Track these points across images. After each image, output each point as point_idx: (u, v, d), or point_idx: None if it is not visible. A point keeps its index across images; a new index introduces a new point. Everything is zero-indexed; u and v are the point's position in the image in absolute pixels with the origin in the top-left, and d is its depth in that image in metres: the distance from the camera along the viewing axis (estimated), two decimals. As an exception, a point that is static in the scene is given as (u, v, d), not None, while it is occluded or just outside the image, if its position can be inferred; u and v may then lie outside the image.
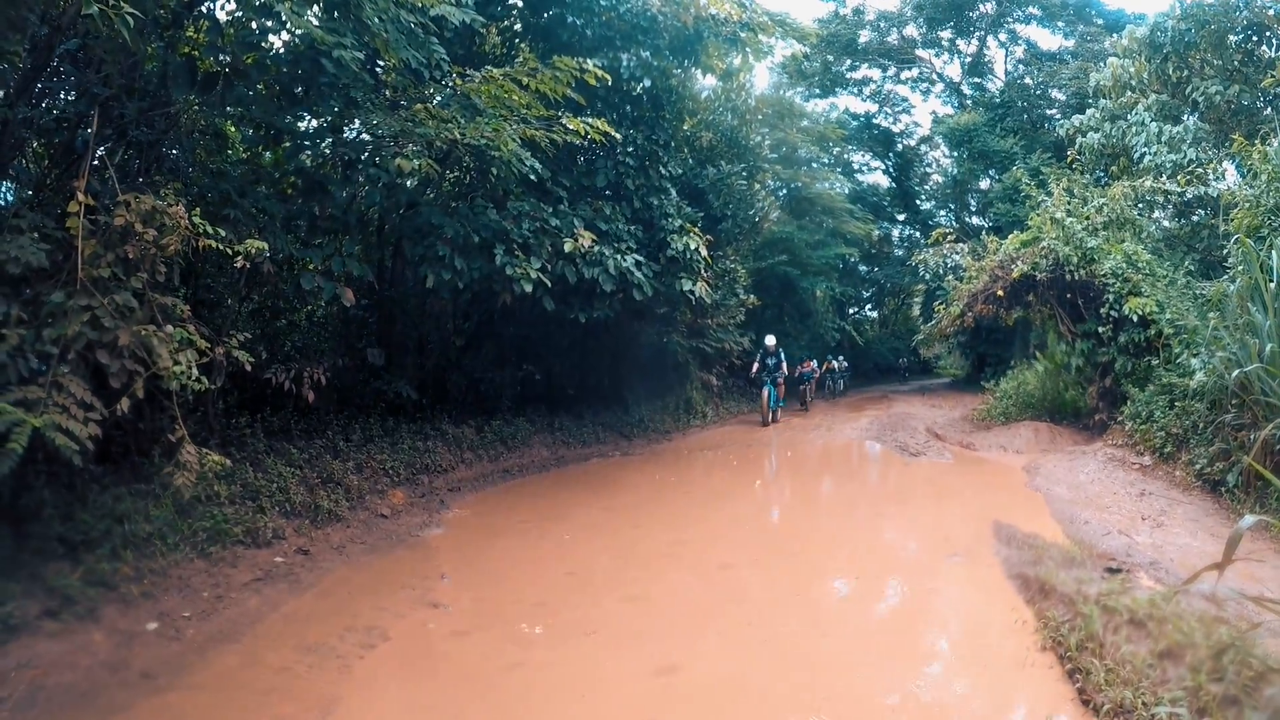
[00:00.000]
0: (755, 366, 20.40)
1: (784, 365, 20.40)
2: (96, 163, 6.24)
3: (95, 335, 5.56)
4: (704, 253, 14.11)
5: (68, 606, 5.70)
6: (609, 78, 10.04)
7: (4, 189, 7.27)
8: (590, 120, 9.59)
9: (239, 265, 6.56)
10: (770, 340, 20.20)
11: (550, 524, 9.22)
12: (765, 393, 19.77)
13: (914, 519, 9.39)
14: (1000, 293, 15.38)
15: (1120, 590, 5.55)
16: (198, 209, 6.48)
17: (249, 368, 7.00)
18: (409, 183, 9.64)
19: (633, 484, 11.91)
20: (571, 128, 9.48)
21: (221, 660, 5.56)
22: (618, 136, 10.72)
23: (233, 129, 9.43)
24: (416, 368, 12.09)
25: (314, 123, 9.78)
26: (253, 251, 6.52)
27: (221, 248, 6.31)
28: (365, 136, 9.45)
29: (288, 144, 9.71)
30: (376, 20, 7.63)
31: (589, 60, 9.46)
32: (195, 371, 5.92)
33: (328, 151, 9.85)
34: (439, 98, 9.18)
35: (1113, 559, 6.92)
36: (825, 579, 7.44)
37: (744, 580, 7.32)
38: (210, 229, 6.24)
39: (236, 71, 7.85)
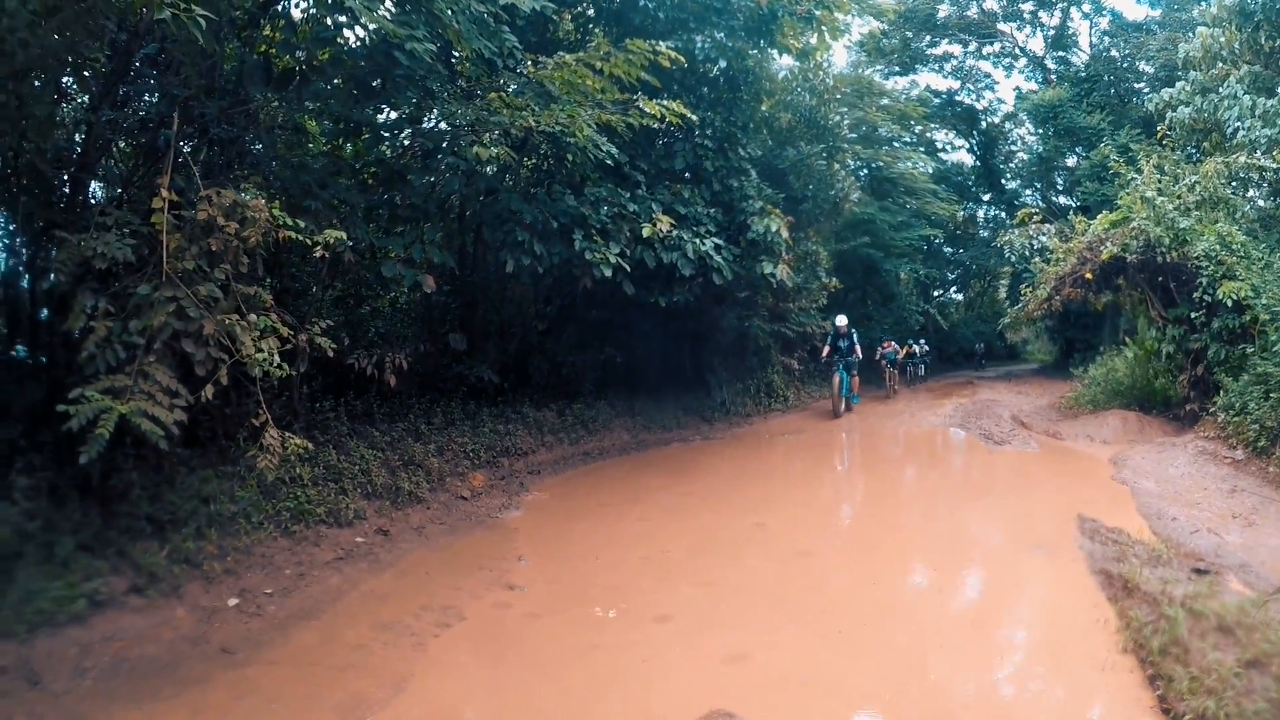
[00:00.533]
0: (825, 350, 18.65)
1: (857, 349, 18.51)
2: (181, 160, 6.42)
3: (181, 325, 5.76)
4: (785, 234, 14.01)
5: (153, 583, 5.98)
6: (683, 60, 10.00)
7: (92, 188, 7.51)
8: (666, 103, 9.57)
9: (319, 255, 6.73)
10: (841, 320, 18.42)
11: (629, 507, 9.33)
12: (836, 380, 18.02)
13: (997, 509, 9.22)
14: (1089, 275, 14.77)
15: (1208, 593, 5.37)
16: (278, 202, 6.63)
17: (331, 353, 7.17)
18: (488, 170, 9.76)
19: (712, 468, 11.93)
20: (648, 111, 9.49)
21: (300, 636, 5.77)
22: (694, 118, 10.66)
23: (312, 123, 9.64)
24: (498, 352, 12.22)
25: (392, 114, 9.93)
26: (331, 241, 6.66)
27: (301, 238, 6.47)
28: (443, 126, 9.57)
29: (366, 136, 9.89)
30: (448, 12, 7.72)
31: (662, 43, 9.44)
32: (277, 358, 6.08)
33: (406, 142, 10.01)
34: (513, 86, 9.23)
35: (1201, 559, 6.68)
36: (904, 569, 7.36)
37: (821, 568, 7.28)
38: (290, 220, 6.40)
39: (312, 68, 8.04)
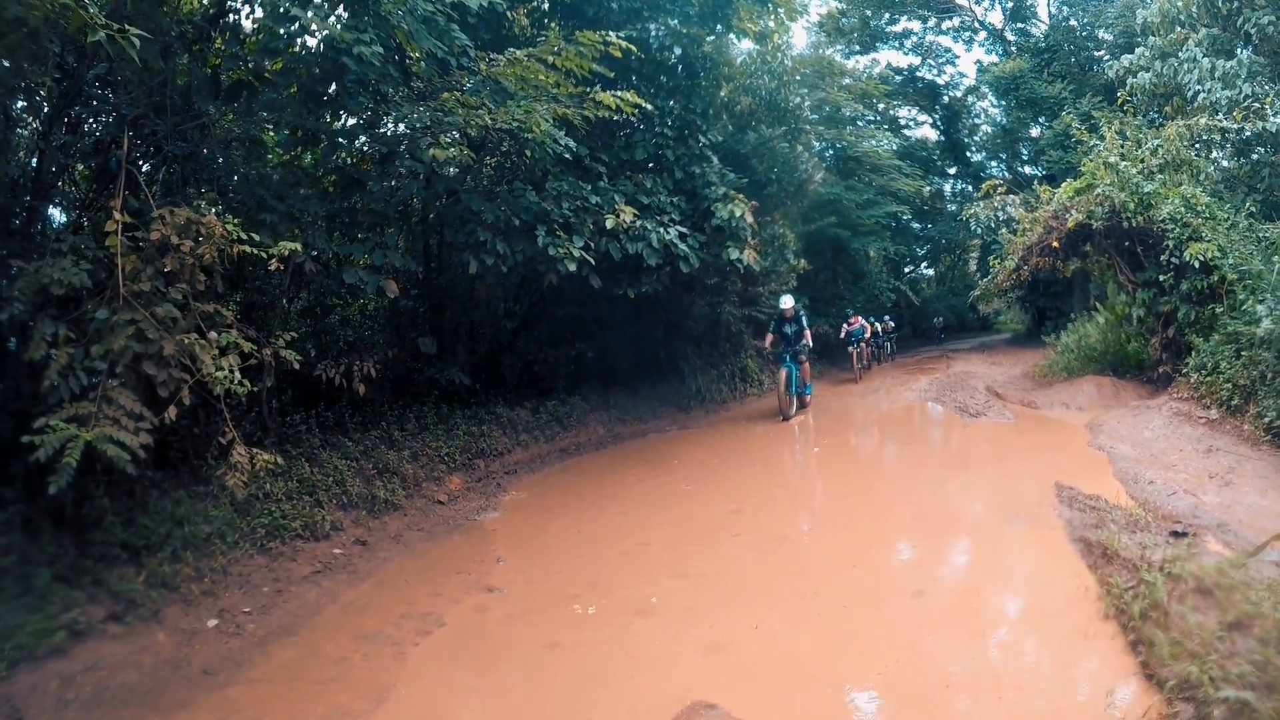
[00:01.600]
0: (769, 338, 16.06)
1: (807, 334, 15.94)
2: (137, 181, 6.39)
3: (141, 348, 5.72)
4: (750, 219, 14.01)
5: (131, 609, 5.93)
6: (636, 49, 10.01)
7: (50, 213, 7.44)
8: (621, 94, 9.59)
9: (274, 267, 6.67)
10: (786, 302, 16.05)
11: (607, 501, 9.34)
12: (783, 374, 15.31)
13: (975, 483, 9.28)
14: (1055, 244, 14.81)
15: (1186, 556, 5.39)
16: (237, 217, 6.59)
17: (297, 366, 7.12)
18: (449, 171, 9.74)
19: (689, 457, 11.97)
20: (603, 103, 9.49)
21: (281, 653, 5.76)
22: (650, 108, 10.66)
23: (269, 135, 9.58)
24: (469, 353, 12.20)
25: (349, 121, 9.87)
26: (286, 253, 6.60)
27: (256, 252, 6.41)
28: (400, 129, 9.53)
29: (324, 144, 9.85)
30: (397, 13, 7.71)
31: (613, 33, 9.44)
32: (238, 375, 6.05)
33: (365, 148, 9.97)
34: (469, 85, 9.20)
35: (1178, 521, 6.75)
36: (884, 547, 7.40)
37: (801, 552, 7.33)
38: (244, 234, 6.35)
39: (262, 79, 7.99)
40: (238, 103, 7.99)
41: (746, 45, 18.70)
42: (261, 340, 6.95)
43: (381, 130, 9.81)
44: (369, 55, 7.62)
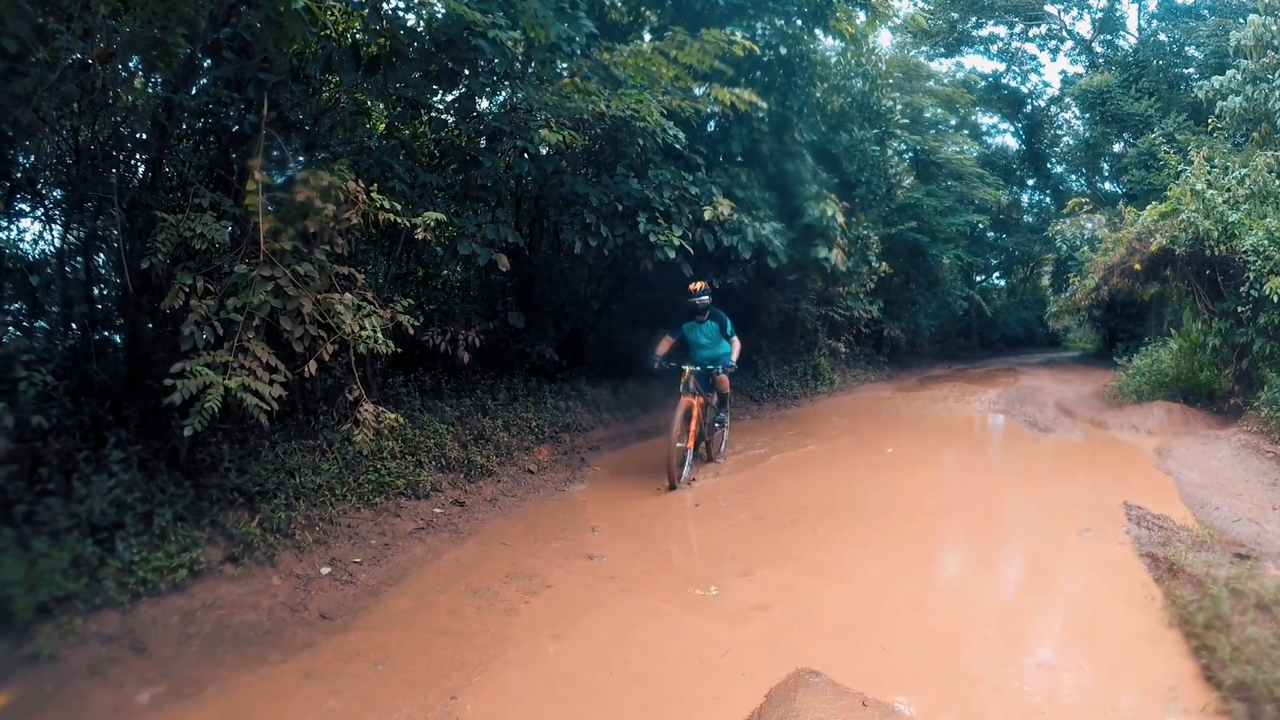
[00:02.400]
0: (662, 347, 10.60)
1: (734, 343, 10.58)
2: (279, 142, 6.65)
3: (279, 303, 5.96)
4: (840, 219, 14.10)
5: (248, 552, 6.22)
6: (756, 49, 10.13)
7: (171, 171, 7.69)
8: (737, 90, 9.72)
9: (420, 237, 6.88)
10: (698, 291, 10.32)
11: (685, 486, 9.52)
12: (682, 407, 9.77)
13: (1044, 494, 9.24)
14: (1137, 266, 14.55)
15: (1248, 575, 5.60)
16: (375, 184, 6.83)
17: (412, 331, 7.35)
18: (548, 152, 9.93)
19: (761, 446, 12.11)
20: (719, 98, 9.64)
21: (394, 602, 6.02)
22: (764, 106, 10.77)
23: (379, 106, 9.83)
24: (555, 330, 12.43)
25: (449, 96, 10.08)
26: (431, 223, 6.85)
27: (399, 220, 6.66)
28: (514, 108, 9.72)
29: (429, 118, 10.06)
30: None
31: (736, 33, 9.58)
32: (380, 336, 6.31)
33: (480, 126, 10.17)
34: (584, 70, 9.37)
35: (1242, 545, 6.84)
36: (960, 548, 7.55)
37: (868, 551, 7.32)
38: (387, 203, 6.61)
39: (396, 54, 8.23)
40: (375, 76, 8.24)
41: (831, 43, 18.39)
42: (380, 304, 7.18)
43: (502, 110, 10.02)
44: (505, 39, 7.85)
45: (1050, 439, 13.24)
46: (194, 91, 7.39)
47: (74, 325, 7.13)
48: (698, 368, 10.26)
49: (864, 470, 10.54)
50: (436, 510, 7.90)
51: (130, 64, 6.78)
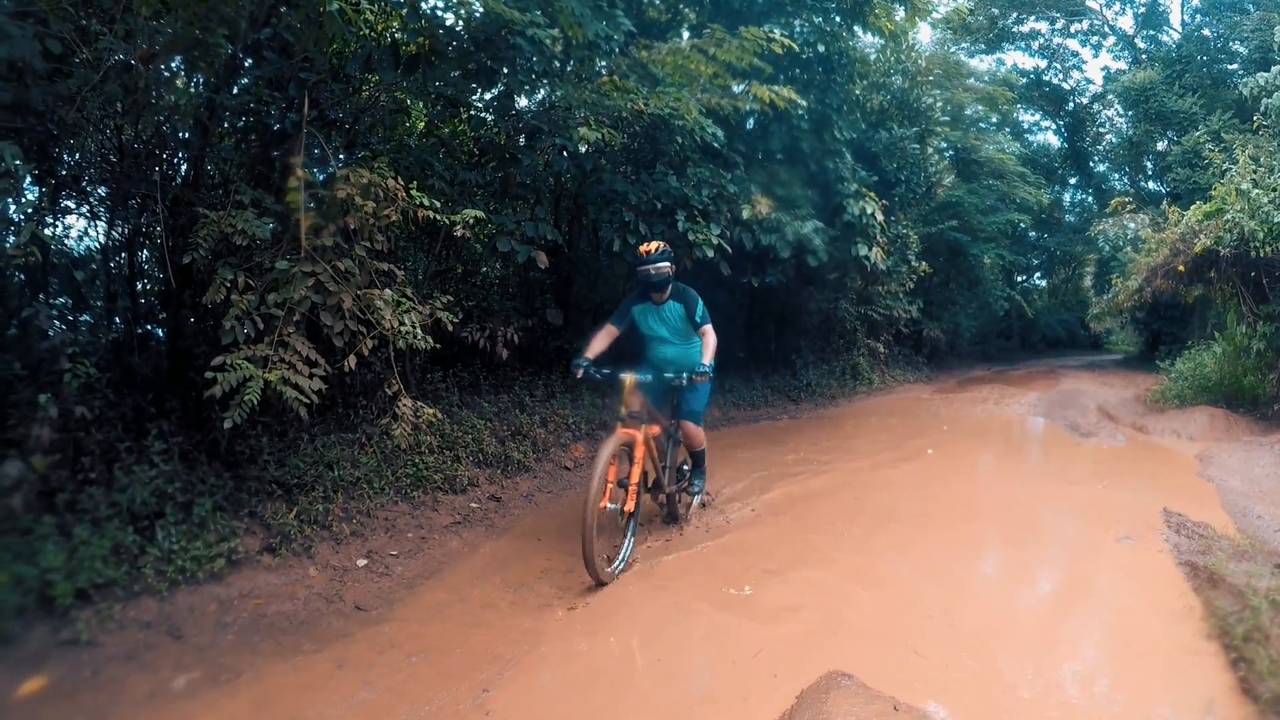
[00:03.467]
0: (597, 343, 7.50)
1: (708, 338, 7.21)
2: (320, 140, 6.76)
3: (319, 299, 6.08)
4: (879, 218, 14.05)
5: (285, 543, 6.29)
6: (795, 46, 10.10)
7: (212, 169, 7.79)
8: (777, 88, 9.71)
9: (459, 234, 6.96)
10: (651, 255, 7.21)
11: (724, 483, 9.45)
12: (606, 450, 6.40)
13: (1083, 500, 9.05)
14: (1181, 268, 14.40)
15: None
16: (414, 182, 6.90)
17: (451, 328, 7.39)
18: (585, 149, 9.97)
19: (800, 444, 12.03)
20: (758, 95, 9.63)
21: (429, 595, 6.07)
22: (804, 103, 10.74)
23: (418, 104, 9.91)
24: (593, 328, 12.40)
25: (488, 95, 10.18)
26: (470, 221, 6.95)
27: (440, 217, 6.74)
28: (553, 106, 9.76)
29: (468, 116, 10.13)
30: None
31: (775, 30, 9.58)
32: (419, 332, 6.38)
33: (515, 123, 10.23)
34: (622, 68, 9.41)
35: None
36: (996, 551, 7.46)
37: (903, 554, 7.19)
38: (427, 200, 6.68)
39: (435, 53, 8.30)
40: (414, 75, 8.31)
41: (870, 39, 18.33)
42: (419, 300, 7.23)
43: (527, 106, 10.08)
44: (543, 38, 7.90)
45: (1091, 444, 13.03)
46: (235, 91, 7.53)
47: (117, 319, 7.29)
48: (648, 376, 7.03)
49: (901, 472, 10.45)
50: (473, 505, 7.95)
51: (172, 64, 6.90)
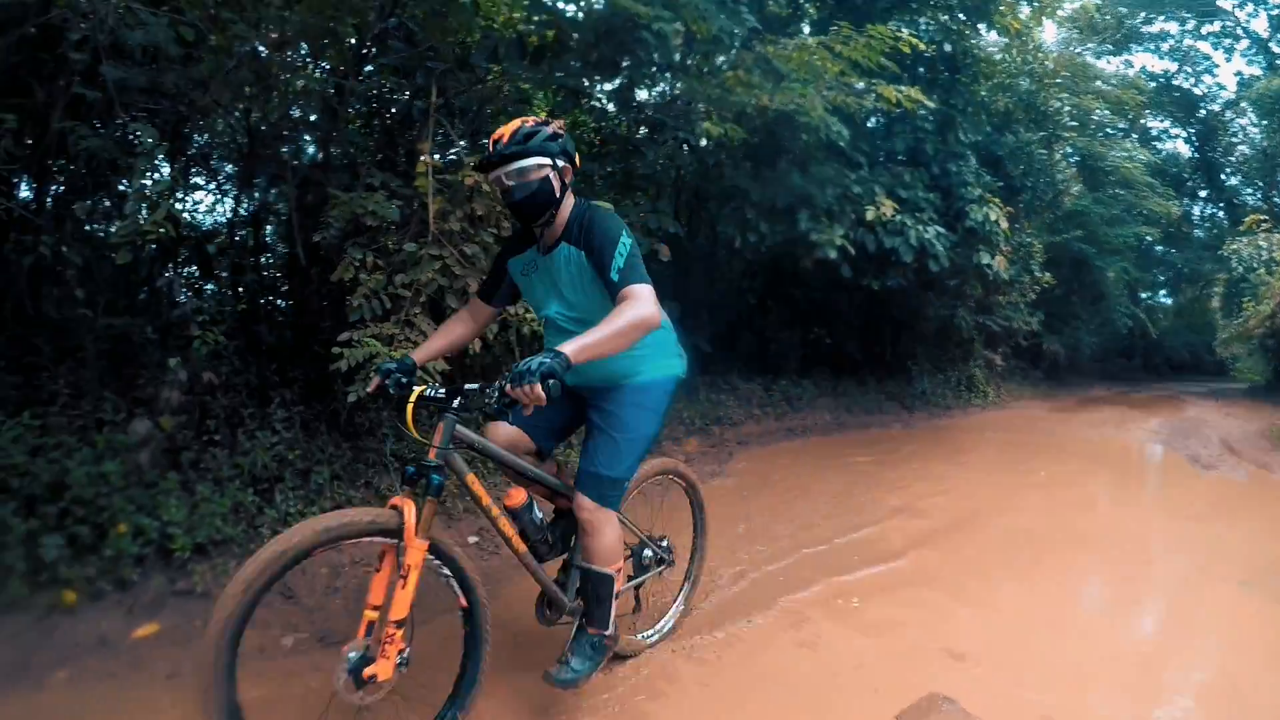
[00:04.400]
0: (433, 340, 4.41)
1: (639, 302, 3.42)
2: (448, 127, 6.90)
3: (445, 282, 6.18)
4: (1004, 225, 13.71)
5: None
6: (922, 46, 9.94)
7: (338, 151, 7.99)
8: (904, 88, 9.56)
9: None
10: (505, 150, 3.65)
11: (834, 489, 9.38)
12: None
13: (1201, 537, 8.55)
14: None
15: None
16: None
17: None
18: (707, 144, 9.93)
19: (916, 456, 11.82)
20: (884, 95, 9.49)
21: (530, 580, 6.06)
22: (930, 104, 10.54)
23: (539, 95, 10.04)
24: (709, 323, 12.44)
25: (608, 86, 10.18)
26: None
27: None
28: (675, 99, 9.76)
29: (590, 107, 10.19)
30: (695, -4, 7.99)
31: (902, 29, 9.44)
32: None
33: (637, 115, 10.26)
34: (746, 63, 9.35)
35: None
36: (1101, 585, 7.16)
37: (1010, 578, 6.96)
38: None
39: (560, 44, 8.39)
40: (540, 65, 8.42)
41: (993, 38, 17.73)
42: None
43: (662, 100, 10.08)
44: (667, 31, 7.90)
45: (1212, 477, 12.42)
46: (362, 78, 7.73)
47: (243, 291, 7.55)
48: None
49: (1014, 494, 10.18)
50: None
51: (301, 51, 7.15)
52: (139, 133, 5.80)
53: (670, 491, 5.54)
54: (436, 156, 6.81)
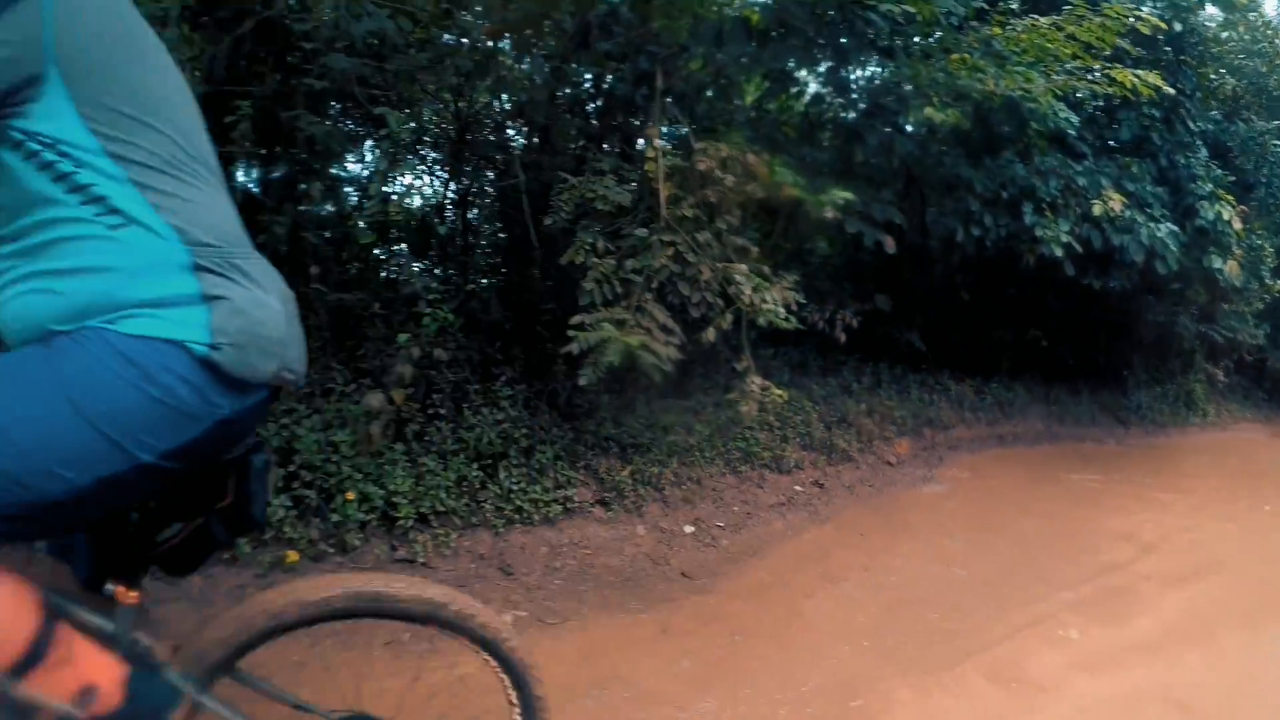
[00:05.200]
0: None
1: None
2: (678, 112, 6.88)
3: (678, 269, 6.13)
4: (1237, 225, 12.73)
5: (618, 499, 6.47)
6: (1163, 25, 9.29)
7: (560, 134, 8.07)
8: (1140, 72, 8.92)
9: (829, 215, 6.85)
10: None
11: (1057, 505, 8.97)
12: None
13: None
14: None
15: None
16: (777, 158, 6.84)
17: (796, 307, 7.11)
18: (924, 131, 9.59)
19: (1130, 481, 11.05)
20: (1119, 79, 8.93)
21: (752, 573, 6.03)
22: (1171, 91, 9.83)
23: (752, 78, 9.80)
24: (922, 318, 12.06)
25: (820, 68, 9.88)
26: (839, 202, 6.80)
27: (806, 197, 6.66)
28: (897, 83, 9.44)
29: (809, 91, 10.01)
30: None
31: (1142, 8, 8.88)
32: (782, 310, 6.33)
33: (856, 100, 9.99)
34: (968, 45, 8.95)
35: None
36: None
37: (1241, 624, 6.30)
38: (793, 178, 6.59)
39: (784, 25, 8.21)
40: (764, 48, 8.28)
41: (1213, 11, 16.00)
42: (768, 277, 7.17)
43: (880, 84, 9.77)
44: (897, 13, 7.77)
45: None
46: (579, 64, 7.75)
47: (469, 271, 7.73)
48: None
49: (1236, 526, 9.42)
50: (797, 488, 7.87)
51: (522, 37, 7.20)
52: (377, 115, 5.97)
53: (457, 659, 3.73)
54: (662, 142, 6.74)
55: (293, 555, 4.92)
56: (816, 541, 6.88)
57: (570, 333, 5.71)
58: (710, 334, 6.22)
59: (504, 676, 2.44)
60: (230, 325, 1.73)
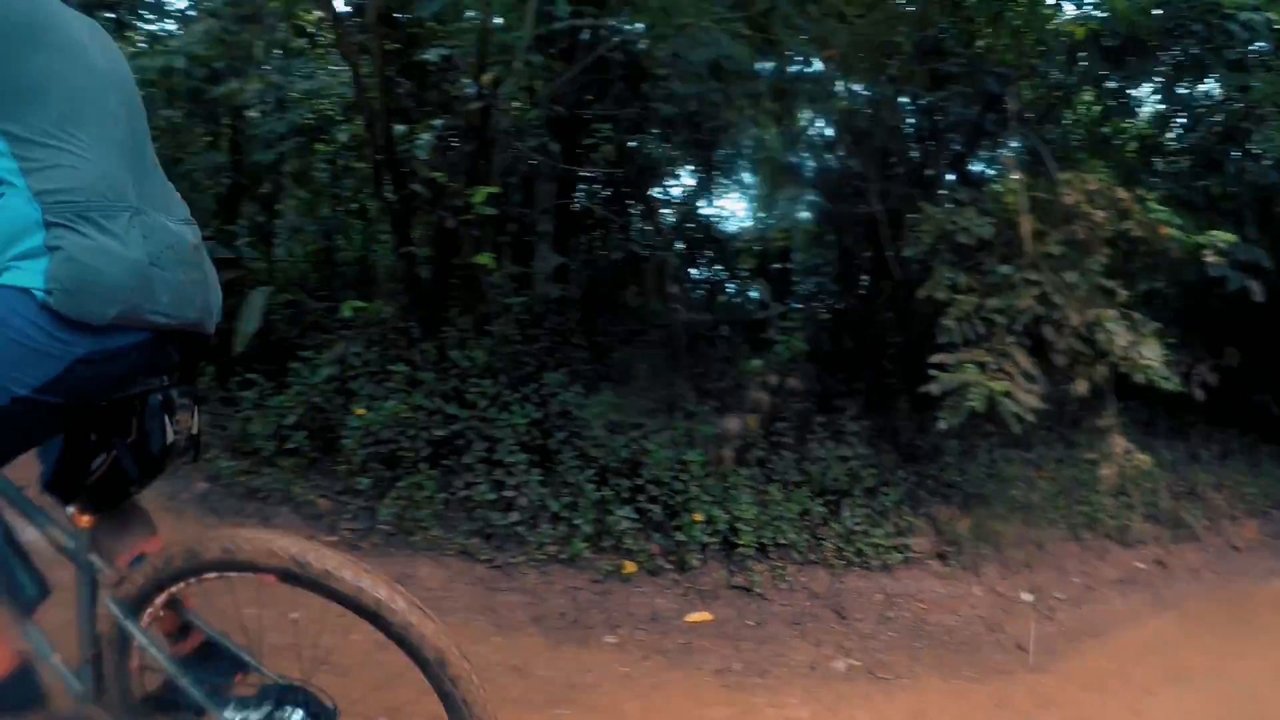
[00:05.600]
0: None
1: None
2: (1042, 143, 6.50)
3: (1044, 311, 5.71)
4: None
5: (955, 554, 6.14)
6: None
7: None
8: None
9: (1211, 260, 6.22)
10: None
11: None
12: None
13: None
14: None
15: None
16: (1153, 194, 6.32)
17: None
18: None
19: None
20: None
21: (1092, 658, 5.42)
22: None
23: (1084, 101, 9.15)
24: (1273, 375, 10.77)
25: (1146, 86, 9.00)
26: (1221, 245, 6.15)
27: (1181, 239, 6.08)
28: (1260, 103, 8.52)
29: (1156, 112, 9.35)
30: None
31: None
32: (1163, 368, 5.79)
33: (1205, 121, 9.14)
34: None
35: None
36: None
37: None
38: (1167, 215, 6.06)
39: (1140, 41, 7.52)
40: (1124, 65, 7.71)
41: None
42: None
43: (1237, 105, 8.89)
44: (1258, 23, 6.95)
45: None
46: (917, 86, 7.39)
47: (812, 299, 7.63)
48: None
49: None
50: (1139, 564, 7.09)
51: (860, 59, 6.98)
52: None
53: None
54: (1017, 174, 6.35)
55: (630, 566, 5.05)
56: (1159, 632, 6.05)
57: (931, 372, 5.49)
58: (1080, 385, 5.79)
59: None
60: (61, 272, 1.94)
